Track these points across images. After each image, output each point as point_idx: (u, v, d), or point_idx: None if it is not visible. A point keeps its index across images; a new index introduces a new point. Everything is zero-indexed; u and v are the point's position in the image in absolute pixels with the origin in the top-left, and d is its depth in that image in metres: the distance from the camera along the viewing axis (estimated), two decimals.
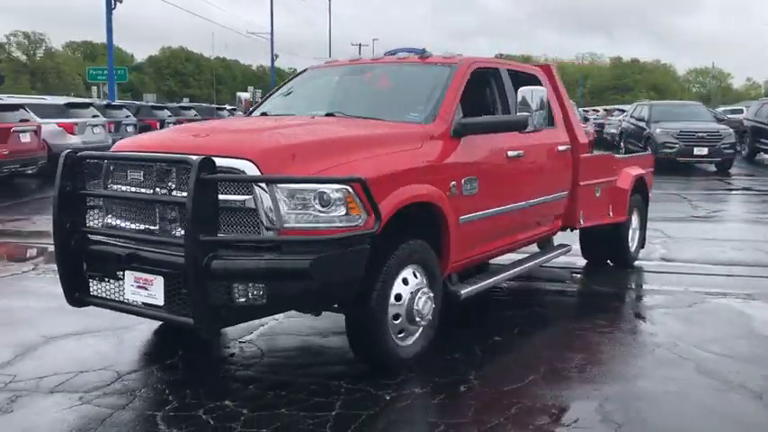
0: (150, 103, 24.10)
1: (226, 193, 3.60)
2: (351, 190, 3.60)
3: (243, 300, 3.49)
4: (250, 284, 3.47)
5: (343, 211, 3.62)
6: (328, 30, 51.14)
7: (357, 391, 3.82)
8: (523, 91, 4.72)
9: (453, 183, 4.44)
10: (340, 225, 3.62)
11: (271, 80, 45.39)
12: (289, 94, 5.56)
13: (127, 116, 17.85)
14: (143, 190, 3.79)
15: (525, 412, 3.61)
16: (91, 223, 3.99)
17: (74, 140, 14.44)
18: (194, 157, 3.41)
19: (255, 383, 3.94)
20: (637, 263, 7.49)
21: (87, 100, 17.70)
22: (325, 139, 4.00)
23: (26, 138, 12.75)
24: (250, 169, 3.57)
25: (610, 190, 6.87)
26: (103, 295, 3.94)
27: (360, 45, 73.94)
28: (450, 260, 4.55)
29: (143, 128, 18.52)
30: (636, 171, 7.37)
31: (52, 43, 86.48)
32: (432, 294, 4.25)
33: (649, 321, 5.40)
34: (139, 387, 3.85)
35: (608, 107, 30.67)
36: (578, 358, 4.46)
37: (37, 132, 13.23)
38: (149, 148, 3.98)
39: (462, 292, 4.73)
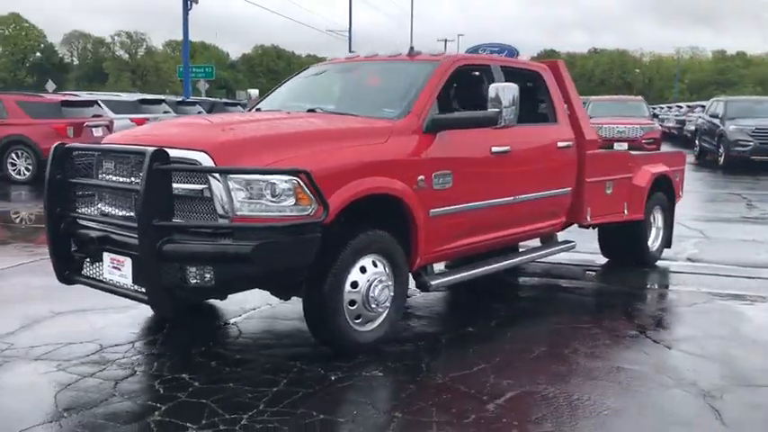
0: (223, 100, 25.16)
1: (185, 183, 3.91)
2: (299, 181, 3.83)
3: (194, 281, 3.79)
4: (199, 267, 3.76)
5: (292, 201, 3.86)
6: (410, 26, 51.17)
7: (307, 371, 4.05)
8: (495, 87, 4.80)
9: (421, 177, 4.58)
10: (290, 214, 3.86)
11: None
12: (287, 90, 5.84)
13: (199, 112, 18.72)
14: (114, 179, 4.15)
15: (457, 398, 3.74)
16: (79, 209, 4.39)
17: None
18: (149, 149, 3.73)
19: (218, 360, 4.23)
20: (660, 263, 7.37)
21: (160, 96, 18.66)
22: (282, 133, 4.25)
23: (98, 132, 13.63)
24: (205, 160, 3.86)
25: (625, 187, 6.80)
26: (89, 275, 4.34)
27: (446, 41, 74.00)
28: (420, 252, 4.70)
29: None
30: (658, 169, 7.26)
31: (152, 42, 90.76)
32: (391, 283, 4.43)
33: (635, 319, 5.37)
34: (115, 359, 4.22)
35: (691, 104, 29.45)
36: (539, 351, 4.53)
37: (109, 127, 14.12)
38: (123, 140, 4.35)
39: (432, 283, 4.87)
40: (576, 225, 6.70)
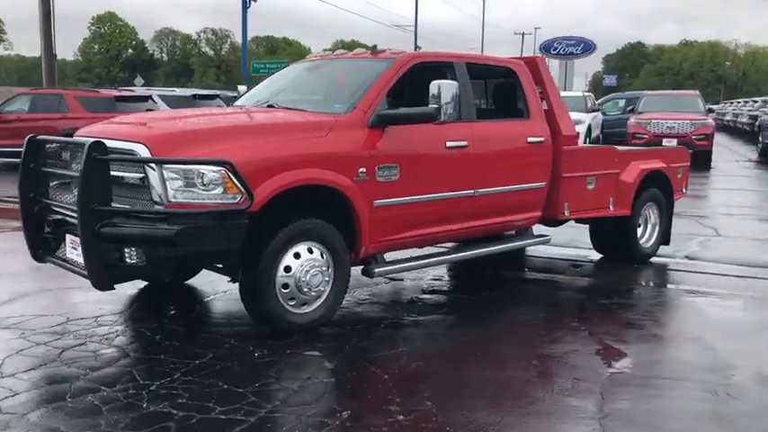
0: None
1: (129, 172, 4.32)
2: (226, 172, 4.17)
3: (129, 261, 4.19)
4: (132, 248, 4.16)
5: (221, 189, 4.20)
6: (482, 19, 50.90)
7: (237, 348, 4.39)
8: (435, 84, 4.98)
9: (362, 169, 4.82)
10: (219, 201, 4.20)
11: None
12: (262, 86, 6.18)
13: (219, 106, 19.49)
14: (68, 168, 4.60)
15: (364, 375, 4.01)
16: (49, 195, 4.87)
17: None
18: (88, 140, 4.15)
19: (164, 334, 4.62)
20: (656, 260, 7.34)
21: (214, 92, 19.40)
22: (218, 127, 4.60)
23: None
24: (143, 151, 4.25)
25: (610, 183, 6.82)
26: (57, 255, 4.82)
27: (522, 34, 73.10)
28: (364, 241, 4.95)
29: None
30: (650, 165, 7.22)
31: (236, 38, 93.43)
32: (328, 269, 4.72)
33: (586, 311, 5.48)
34: (73, 330, 4.67)
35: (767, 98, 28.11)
36: (466, 339, 4.71)
37: None
38: (81, 133, 4.81)
39: (375, 271, 5.12)
40: (573, 221, 6.86)
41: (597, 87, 78.09)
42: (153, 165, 4.18)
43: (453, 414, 3.52)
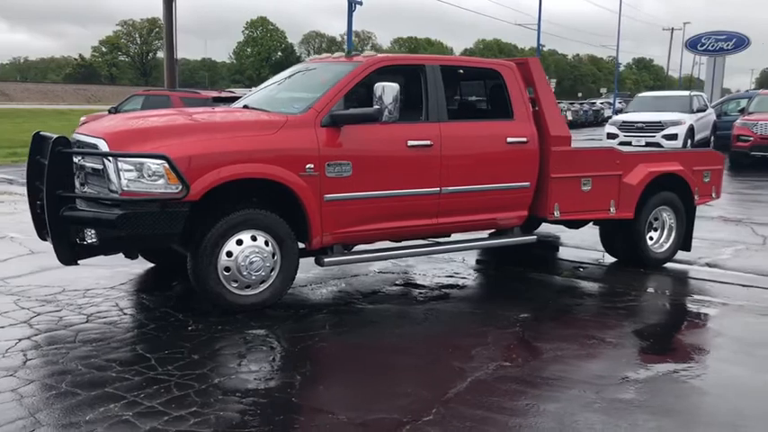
0: None
1: (94, 163, 4.99)
2: (167, 164, 4.71)
3: (88, 241, 4.84)
4: (87, 230, 4.80)
5: (164, 180, 4.76)
6: (618, 15, 48.75)
7: (178, 322, 4.93)
8: (379, 86, 5.26)
9: (310, 165, 5.21)
10: (162, 191, 4.76)
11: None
12: (259, 88, 6.71)
13: None
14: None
15: (262, 350, 4.41)
16: None
17: None
18: (54, 136, 4.84)
19: (132, 308, 5.27)
20: (672, 266, 7.15)
21: None
22: (172, 125, 5.17)
23: None
24: (103, 146, 4.88)
25: (611, 185, 6.74)
26: None
27: (672, 30, 69.41)
28: (316, 232, 5.33)
29: None
30: (662, 167, 7.03)
31: (378, 40, 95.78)
32: (271, 256, 5.15)
33: (549, 310, 5.55)
34: (61, 299, 5.41)
35: None
36: (399, 331, 4.98)
37: None
38: (78, 129, 5.53)
39: (325, 260, 5.49)
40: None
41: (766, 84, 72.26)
42: (109, 157, 4.81)
43: (313, 392, 3.85)
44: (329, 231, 5.42)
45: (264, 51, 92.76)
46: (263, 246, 5.14)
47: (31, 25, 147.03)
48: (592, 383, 4.02)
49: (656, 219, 7.22)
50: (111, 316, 5.05)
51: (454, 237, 6.57)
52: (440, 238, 6.67)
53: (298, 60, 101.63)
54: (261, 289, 5.19)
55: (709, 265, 7.26)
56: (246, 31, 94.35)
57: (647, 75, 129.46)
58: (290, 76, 6.47)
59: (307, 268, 6.05)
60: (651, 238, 7.21)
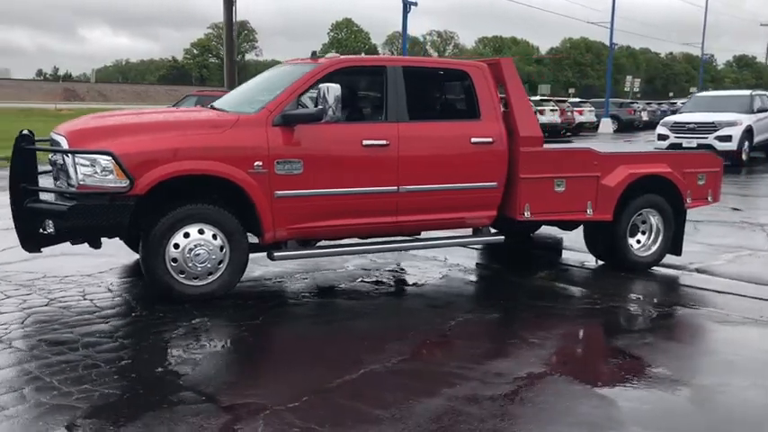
0: None
1: (59, 159, 5.39)
2: (114, 160, 5.06)
3: (47, 230, 5.24)
4: (46, 220, 5.20)
5: (113, 176, 5.10)
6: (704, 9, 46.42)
7: (129, 308, 5.27)
8: (322, 87, 5.43)
9: (258, 163, 5.43)
10: (111, 185, 5.11)
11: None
12: (238, 88, 7.02)
13: None
14: None
15: (197, 338, 4.69)
16: None
17: None
18: (21, 133, 5.27)
19: (93, 295, 5.64)
20: (660, 270, 7.02)
21: None
22: (127, 124, 5.51)
23: None
24: (63, 143, 5.28)
25: (588, 186, 6.66)
26: None
27: None
28: (267, 227, 5.56)
29: None
30: (645, 169, 6.89)
31: (462, 40, 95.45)
32: (218, 248, 5.41)
33: (495, 311, 5.57)
34: (34, 281, 5.87)
35: None
36: (337, 322, 5.18)
37: None
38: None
39: (275, 255, 5.71)
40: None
41: None
42: (67, 154, 5.20)
43: (202, 376, 4.08)
44: (282, 227, 5.63)
45: (348, 53, 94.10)
46: (211, 239, 5.41)
47: (132, 28, 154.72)
48: (483, 381, 4.06)
49: (643, 222, 7.08)
50: (70, 300, 5.44)
51: (426, 235, 6.66)
52: (416, 235, 6.72)
53: None
54: (209, 280, 5.46)
55: (698, 270, 7.04)
56: (331, 33, 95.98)
57: (748, 73, 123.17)
58: (262, 79, 6.74)
59: (285, 263, 6.37)
60: (639, 242, 7.07)
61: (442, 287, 6.28)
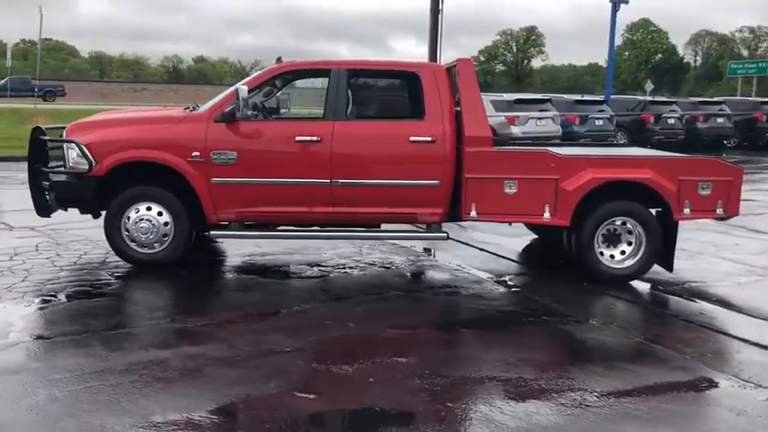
0: (648, 98, 24.15)
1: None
2: (77, 147, 6.41)
3: (50, 201, 6.78)
4: (50, 192, 6.73)
5: (84, 160, 6.47)
6: None
7: (89, 267, 6.60)
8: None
9: (196, 153, 6.37)
10: (80, 168, 6.48)
11: None
12: None
13: (600, 110, 19.53)
14: None
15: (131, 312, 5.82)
16: None
17: (514, 130, 17.50)
18: (36, 126, 6.89)
19: (66, 264, 7.10)
20: (639, 284, 6.50)
21: (540, 96, 19.90)
22: (106, 120, 6.81)
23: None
24: (65, 134, 6.79)
25: (545, 189, 6.44)
26: None
27: None
28: (208, 209, 6.47)
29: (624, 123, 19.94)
30: (614, 174, 6.42)
31: None
32: (158, 223, 6.44)
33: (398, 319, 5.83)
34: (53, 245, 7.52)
35: None
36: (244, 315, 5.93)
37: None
38: None
39: (212, 233, 6.61)
40: None
41: None
42: (65, 141, 6.70)
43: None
44: (222, 210, 6.51)
45: (643, 55, 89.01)
46: (156, 216, 6.49)
47: (445, 38, 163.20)
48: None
49: (629, 232, 6.55)
50: (45, 269, 6.96)
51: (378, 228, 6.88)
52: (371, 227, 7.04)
53: (680, 63, 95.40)
54: (156, 250, 6.55)
55: (690, 292, 6.31)
56: (626, 34, 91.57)
57: None
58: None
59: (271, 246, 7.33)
60: (623, 252, 6.56)
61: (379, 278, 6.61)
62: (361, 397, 3.91)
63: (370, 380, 4.11)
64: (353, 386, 4.06)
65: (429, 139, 6.42)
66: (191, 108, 7.02)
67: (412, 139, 6.43)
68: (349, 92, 6.65)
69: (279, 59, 7.06)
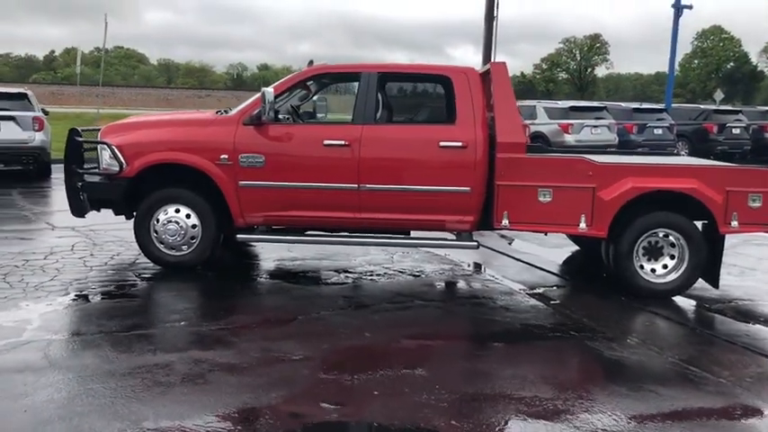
0: (712, 107, 23.02)
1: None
2: (109, 149, 6.45)
3: (84, 201, 6.85)
4: (83, 193, 6.80)
5: (115, 161, 6.52)
6: None
7: (117, 266, 6.63)
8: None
9: (224, 156, 6.34)
10: (112, 169, 6.53)
11: None
12: None
13: (659, 119, 18.80)
14: None
15: (145, 312, 5.83)
16: None
17: (567, 138, 17.06)
18: (73, 129, 6.98)
19: (94, 257, 7.15)
20: (682, 301, 6.17)
21: (594, 103, 19.33)
22: (138, 122, 6.83)
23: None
24: (99, 136, 6.86)
25: (581, 198, 6.16)
26: None
27: None
28: (235, 212, 6.42)
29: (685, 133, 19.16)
30: (655, 184, 6.09)
31: None
32: (186, 226, 6.43)
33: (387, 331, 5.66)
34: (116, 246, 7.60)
35: None
36: (278, 313, 5.86)
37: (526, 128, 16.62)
38: None
39: (238, 236, 6.54)
40: None
41: None
42: (99, 143, 6.76)
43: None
44: (249, 213, 6.45)
45: (713, 63, 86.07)
46: (184, 218, 6.47)
47: (504, 46, 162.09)
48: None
49: (672, 245, 6.20)
50: (74, 262, 7.02)
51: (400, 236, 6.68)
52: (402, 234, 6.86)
53: (753, 71, 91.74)
54: (183, 252, 6.54)
55: (726, 310, 5.93)
56: (696, 42, 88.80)
57: None
58: None
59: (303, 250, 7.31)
60: (665, 267, 6.21)
61: (394, 285, 6.44)
62: (360, 410, 3.75)
63: (375, 393, 3.94)
64: (356, 399, 3.89)
65: (460, 144, 6.22)
66: (222, 112, 7.00)
67: (442, 144, 6.24)
68: (379, 96, 6.52)
69: (311, 63, 6.98)
